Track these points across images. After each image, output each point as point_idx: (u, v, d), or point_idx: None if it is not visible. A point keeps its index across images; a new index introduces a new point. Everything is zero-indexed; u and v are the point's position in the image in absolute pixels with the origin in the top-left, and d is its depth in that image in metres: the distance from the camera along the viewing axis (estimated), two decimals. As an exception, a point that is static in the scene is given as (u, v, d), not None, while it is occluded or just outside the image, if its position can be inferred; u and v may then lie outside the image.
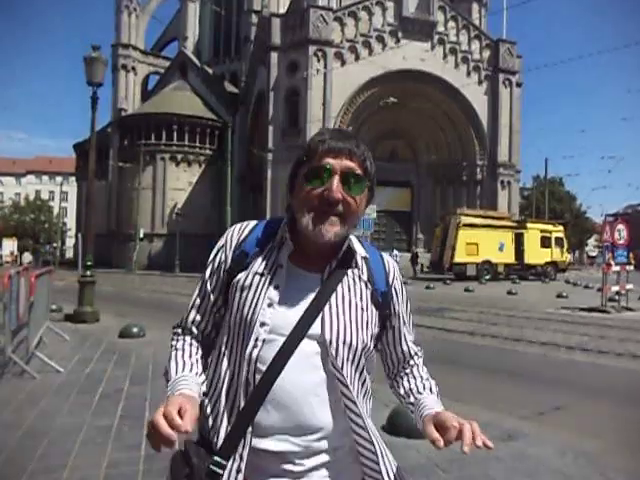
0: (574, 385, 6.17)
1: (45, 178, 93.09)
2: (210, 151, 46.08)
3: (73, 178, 63.40)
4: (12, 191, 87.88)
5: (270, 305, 1.20)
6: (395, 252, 32.91)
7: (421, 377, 1.41)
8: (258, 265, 1.25)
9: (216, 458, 1.14)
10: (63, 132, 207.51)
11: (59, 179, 76.94)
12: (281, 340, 1.17)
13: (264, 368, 1.16)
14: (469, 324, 10.88)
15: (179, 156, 44.94)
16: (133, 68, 51.84)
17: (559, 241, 30.87)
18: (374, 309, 1.28)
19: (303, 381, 1.17)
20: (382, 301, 1.30)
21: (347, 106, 37.66)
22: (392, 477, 1.23)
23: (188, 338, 1.33)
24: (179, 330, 1.36)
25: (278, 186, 35.87)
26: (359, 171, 1.22)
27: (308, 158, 1.23)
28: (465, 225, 27.93)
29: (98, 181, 17.36)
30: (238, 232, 1.32)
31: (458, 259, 27.73)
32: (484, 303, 15.32)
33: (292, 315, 1.19)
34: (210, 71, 50.84)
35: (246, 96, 45.57)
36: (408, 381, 1.40)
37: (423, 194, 42.49)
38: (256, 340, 1.18)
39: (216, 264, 1.31)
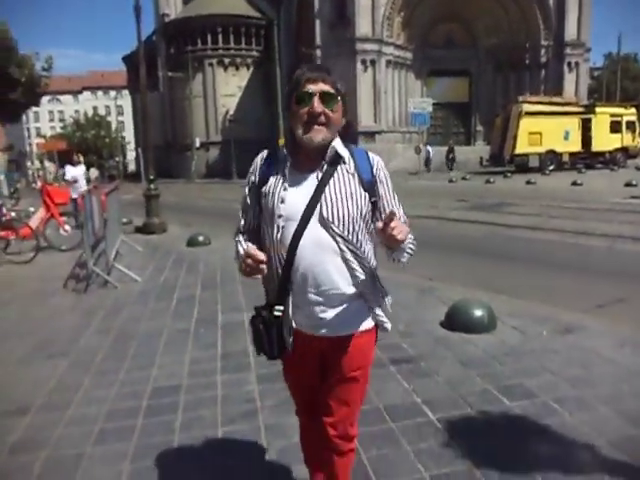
0: (638, 277, 6.08)
1: (100, 93, 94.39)
2: (257, 52, 44.76)
3: (126, 91, 63.79)
4: (71, 109, 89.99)
5: (282, 202, 1.72)
6: (428, 147, 31.70)
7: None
8: (273, 177, 1.78)
9: (275, 307, 1.76)
10: (112, 45, 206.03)
11: (113, 93, 77.81)
12: (294, 224, 1.70)
13: (287, 246, 1.71)
14: (529, 218, 10.67)
15: (226, 60, 44.02)
16: (172, -32, 49.59)
17: (631, 125, 28.63)
18: (362, 192, 1.74)
19: (315, 250, 1.69)
20: (368, 187, 1.76)
21: (397, -10, 34.95)
22: (388, 312, 1.85)
23: (245, 235, 1.89)
24: (237, 231, 1.93)
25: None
26: (332, 90, 1.69)
27: (295, 87, 1.70)
28: (527, 113, 26.34)
29: (150, 93, 17.35)
30: (260, 159, 1.86)
31: (520, 150, 26.52)
32: (546, 196, 14.85)
33: (299, 205, 1.71)
34: (251, -36, 47.92)
35: (290, -12, 43.02)
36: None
37: (482, 83, 39.98)
38: (277, 227, 1.72)
39: (250, 184, 1.86)
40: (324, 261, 1.70)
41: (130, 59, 49.12)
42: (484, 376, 3.38)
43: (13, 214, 9.61)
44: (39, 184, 10.64)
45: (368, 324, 1.82)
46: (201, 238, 9.13)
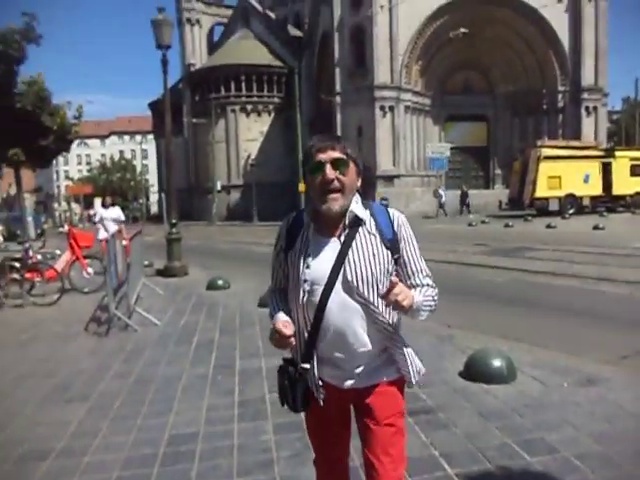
0: (663, 326, 5.95)
1: (126, 138, 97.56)
2: (278, 99, 46.11)
3: (151, 136, 65.86)
4: (98, 152, 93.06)
5: (308, 267, 1.79)
6: (440, 191, 31.70)
7: (420, 288, 1.84)
8: (298, 242, 1.85)
9: (302, 365, 1.83)
10: (139, 90, 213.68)
11: (138, 138, 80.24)
12: (320, 288, 1.76)
13: (314, 309, 1.77)
14: (550, 264, 10.57)
15: (249, 107, 45.42)
16: (198, 21, 52.05)
17: (652, 168, 28.52)
18: (384, 250, 1.79)
19: (341, 313, 1.76)
20: (390, 245, 1.80)
21: (415, 40, 36.06)
22: (417, 374, 1.89)
23: (277, 294, 1.98)
24: (271, 292, 2.03)
25: (348, 129, 35.46)
26: (342, 156, 1.76)
27: (307, 159, 1.80)
28: (546, 157, 26.47)
29: (174, 138, 18.03)
30: (285, 225, 1.93)
31: (539, 194, 26.53)
32: (567, 240, 14.72)
33: (324, 270, 1.77)
34: (273, 15, 50.00)
35: (310, 39, 44.63)
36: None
37: (500, 127, 40.47)
38: (303, 291, 1.79)
39: (278, 248, 1.95)
40: (351, 323, 1.77)
41: (156, 105, 51.00)
42: (503, 429, 3.32)
43: (39, 257, 9.85)
44: (66, 227, 10.89)
45: (395, 374, 1.87)
46: (220, 282, 9.23)
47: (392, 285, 1.63)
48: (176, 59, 52.15)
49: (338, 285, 1.75)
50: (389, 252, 1.80)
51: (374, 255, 1.77)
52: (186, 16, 51.10)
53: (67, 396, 4.35)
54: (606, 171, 27.71)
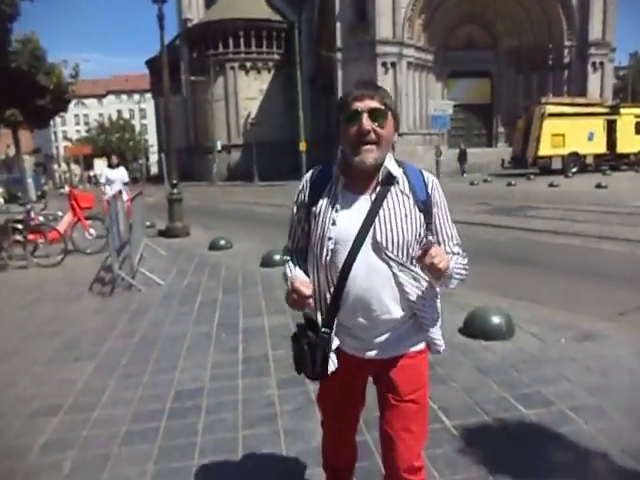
0: (661, 283, 6.01)
1: (124, 97, 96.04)
2: (278, 55, 45.11)
3: (149, 95, 64.79)
4: (96, 112, 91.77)
5: (334, 224, 1.67)
6: (441, 150, 31.33)
7: (451, 255, 1.72)
8: (324, 197, 1.73)
9: (323, 329, 1.71)
10: (135, 49, 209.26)
11: (136, 97, 79.06)
12: (345, 248, 1.65)
13: (338, 269, 1.66)
14: (552, 222, 10.58)
15: (248, 64, 44.48)
16: (194, -27, 50.31)
17: (657, 126, 28.12)
18: (417, 213, 1.69)
19: (369, 278, 1.65)
20: (424, 208, 1.70)
21: (418, -8, 34.86)
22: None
23: (293, 255, 1.86)
24: (287, 252, 1.90)
25: (349, 86, 34.60)
26: (381, 106, 1.64)
27: (342, 106, 1.67)
28: (550, 115, 26.09)
29: (173, 97, 17.76)
30: (310, 177, 1.81)
31: (543, 152, 26.28)
32: (569, 199, 14.69)
33: (351, 228, 1.65)
34: (271, -33, 48.30)
35: (310, -9, 43.22)
36: None
37: (504, 84, 39.65)
38: (327, 250, 1.67)
39: (298, 203, 1.82)
40: (377, 287, 1.66)
41: (153, 63, 49.93)
42: (501, 383, 3.40)
43: (41, 218, 9.87)
44: (67, 189, 10.89)
45: (420, 345, 1.78)
46: (223, 242, 9.27)
47: (429, 246, 1.53)
48: (173, 14, 50.79)
49: (366, 245, 1.64)
50: (422, 215, 1.69)
51: (406, 216, 1.66)
52: (182, -32, 49.41)
53: (74, 355, 4.45)
54: (610, 129, 27.36)
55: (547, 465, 2.56)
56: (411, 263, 1.67)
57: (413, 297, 1.69)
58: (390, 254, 1.64)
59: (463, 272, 1.73)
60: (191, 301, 5.93)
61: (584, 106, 28.06)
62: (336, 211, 1.68)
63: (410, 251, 1.66)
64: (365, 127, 1.61)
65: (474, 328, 4.30)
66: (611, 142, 27.38)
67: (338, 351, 1.74)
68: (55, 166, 77.03)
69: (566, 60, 37.04)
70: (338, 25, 35.71)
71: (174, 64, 41.92)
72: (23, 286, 7.30)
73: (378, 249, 1.64)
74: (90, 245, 9.53)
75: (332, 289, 1.68)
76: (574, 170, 26.08)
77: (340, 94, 35.52)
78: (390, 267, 1.65)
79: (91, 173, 56.90)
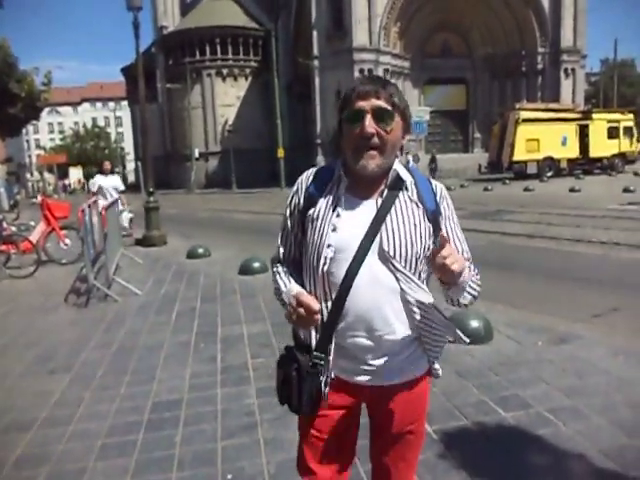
0: (634, 286, 6.12)
1: (99, 105, 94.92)
2: (255, 62, 45.13)
3: (125, 102, 64.15)
4: (70, 120, 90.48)
5: (334, 230, 1.48)
6: (409, 157, 31.61)
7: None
8: (323, 200, 1.53)
9: (316, 353, 1.49)
10: (110, 56, 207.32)
11: (112, 105, 78.10)
12: (346, 258, 1.45)
13: (338, 283, 1.46)
14: (527, 226, 10.75)
15: (225, 71, 44.38)
16: (169, -20, 50.10)
17: (628, 130, 28.84)
18: (427, 223, 1.50)
19: (372, 291, 1.45)
20: (432, 218, 1.52)
21: (394, 0, 35.30)
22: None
23: (284, 266, 1.64)
24: (276, 261, 1.68)
25: (327, 93, 34.98)
26: (387, 106, 1.44)
27: (346, 105, 1.48)
28: (525, 120, 26.55)
29: (149, 104, 17.65)
30: (306, 178, 1.61)
31: (518, 157, 26.72)
32: (544, 202, 14.94)
33: (354, 237, 1.46)
34: (247, -25, 48.39)
35: (287, -1, 43.42)
36: None
37: (479, 90, 40.32)
38: (325, 258, 1.47)
39: (292, 206, 1.61)
40: (382, 302, 1.46)
41: (129, 71, 49.49)
42: (480, 387, 3.43)
43: (13, 228, 9.67)
44: (39, 198, 10.61)
45: (423, 370, 1.59)
46: (201, 250, 9.19)
47: (442, 243, 1.34)
48: (148, 21, 50.48)
49: (371, 255, 1.44)
50: (431, 226, 1.51)
51: (415, 226, 1.48)
52: (157, -25, 49.16)
53: (49, 367, 4.35)
54: (583, 134, 27.95)
55: (526, 468, 2.58)
56: (419, 278, 1.49)
57: (419, 316, 1.49)
58: (398, 265, 1.45)
59: (478, 289, 1.55)
60: (169, 310, 5.85)
61: (557, 111, 28.64)
62: (337, 215, 1.49)
63: (418, 265, 1.48)
64: (368, 130, 1.42)
65: (453, 332, 4.32)
66: (584, 147, 27.97)
67: (332, 378, 1.52)
68: (28, 175, 75.59)
69: (539, 67, 37.82)
70: (315, 33, 35.91)
71: (150, 71, 41.66)
72: (-5, 298, 7.12)
73: (385, 259, 1.45)
74: (65, 255, 9.35)
75: (330, 304, 1.47)
76: (549, 174, 26.57)
77: (318, 101, 35.75)
78: (397, 280, 1.46)
79: (66, 182, 55.92)
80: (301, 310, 1.41)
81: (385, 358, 1.50)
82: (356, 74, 34.91)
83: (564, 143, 27.56)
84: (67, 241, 9.58)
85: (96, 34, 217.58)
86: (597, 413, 3.01)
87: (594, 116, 28.63)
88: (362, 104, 1.44)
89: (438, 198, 1.56)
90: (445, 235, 1.41)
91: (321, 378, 1.49)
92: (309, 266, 1.54)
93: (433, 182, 1.59)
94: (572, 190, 18.13)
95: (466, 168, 33.39)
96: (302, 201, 1.57)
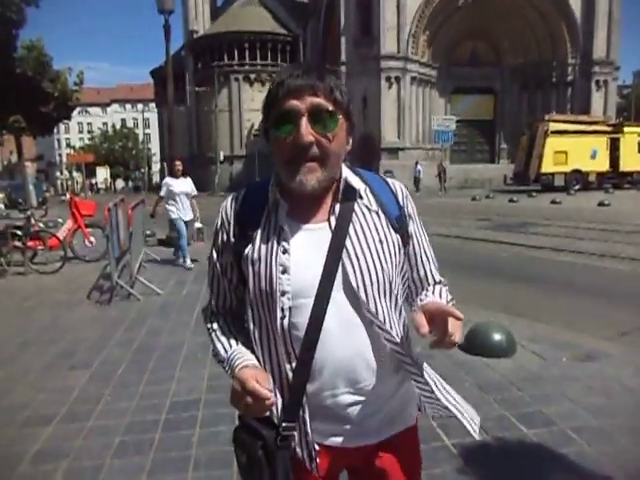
0: (664, 303, 5.96)
1: (128, 106, 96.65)
2: (283, 68, 45.46)
3: (153, 104, 65.23)
4: (99, 120, 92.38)
5: (284, 272, 1.15)
6: (419, 166, 31.45)
7: (433, 287, 1.32)
8: (261, 234, 1.19)
9: (285, 424, 1.17)
10: (140, 59, 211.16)
11: (140, 106, 79.58)
12: (308, 303, 1.14)
13: (301, 335, 1.14)
14: (553, 239, 10.55)
15: (252, 76, 44.80)
16: (201, -16, 50.90)
17: (661, 145, 28.22)
18: (393, 235, 1.22)
19: (346, 337, 1.16)
20: (399, 226, 1.24)
21: (423, 9, 35.30)
22: (451, 402, 1.27)
23: (221, 319, 1.32)
24: (209, 314, 1.35)
25: (353, 100, 34.31)
26: (328, 105, 1.12)
27: (271, 105, 1.15)
28: (553, 132, 26.19)
29: (177, 106, 17.88)
30: (231, 206, 1.26)
31: (545, 169, 26.34)
32: (571, 216, 14.66)
33: (311, 275, 1.14)
34: (278, -19, 48.90)
35: (316, 5, 43.76)
36: (426, 295, 1.31)
37: (507, 100, 39.91)
38: (282, 310, 1.15)
39: (219, 245, 1.26)
40: (360, 347, 1.17)
41: (158, 73, 50.31)
42: (502, 402, 3.35)
43: (41, 225, 9.86)
44: (68, 196, 10.78)
45: (414, 415, 1.33)
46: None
47: (445, 319, 1.11)
48: (179, 25, 51.24)
49: (336, 292, 1.14)
50: (399, 237, 1.23)
51: (381, 242, 1.19)
52: (189, -20, 49.96)
53: (70, 363, 4.40)
54: (614, 147, 27.44)
55: (548, 487, 2.50)
56: (396, 306, 1.23)
57: (402, 356, 1.22)
58: (371, 301, 1.16)
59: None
60: (190, 311, 5.88)
61: (587, 124, 28.17)
62: (284, 252, 1.16)
63: (393, 289, 1.21)
64: (305, 138, 1.10)
65: (475, 345, 4.25)
66: (614, 160, 27.45)
67: (317, 447, 1.20)
68: (57, 173, 77.30)
69: (570, 78, 37.31)
70: (343, 39, 36.07)
71: (179, 74, 42.24)
72: (21, 292, 7.26)
73: (353, 294, 1.15)
74: (90, 253, 9.50)
75: (295, 363, 1.15)
76: (576, 188, 26.11)
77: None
78: (372, 317, 1.17)
79: (93, 181, 56.94)
80: (248, 399, 1.10)
81: (373, 412, 1.21)
82: (383, 81, 34.94)
83: (594, 156, 27.08)
84: (92, 239, 9.74)
85: (127, 36, 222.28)
86: (624, 434, 2.91)
87: (625, 129, 28.08)
88: (295, 104, 1.10)
89: (400, 200, 1.27)
90: (451, 311, 1.11)
91: (298, 451, 1.19)
92: (258, 321, 1.21)
93: (390, 181, 1.30)
94: (601, 204, 17.76)
95: (492, 179, 33.07)
96: (232, 238, 1.23)
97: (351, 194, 1.20)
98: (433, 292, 1.30)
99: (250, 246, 1.19)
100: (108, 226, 6.59)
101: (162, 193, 8.57)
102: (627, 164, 27.40)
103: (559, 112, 33.60)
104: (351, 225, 1.18)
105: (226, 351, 1.25)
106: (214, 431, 3.11)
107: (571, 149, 26.38)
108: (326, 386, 1.17)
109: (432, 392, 1.24)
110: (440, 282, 1.34)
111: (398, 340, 1.20)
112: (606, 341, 4.54)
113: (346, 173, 1.22)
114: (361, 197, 1.21)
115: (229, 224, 1.24)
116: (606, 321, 5.30)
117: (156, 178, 66.14)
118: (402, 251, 1.24)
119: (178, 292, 6.87)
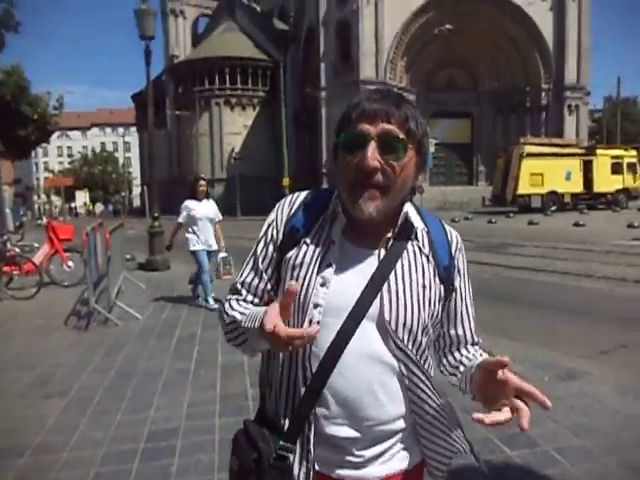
0: (641, 321, 6.04)
1: (108, 130, 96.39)
2: (263, 93, 45.89)
3: (134, 128, 65.17)
4: (79, 144, 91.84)
5: (323, 285, 1.12)
6: (423, 187, 31.75)
7: (474, 351, 1.28)
8: (310, 241, 1.17)
9: (282, 443, 1.13)
10: (121, 83, 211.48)
11: (121, 130, 79.40)
12: (336, 323, 1.11)
13: (321, 353, 1.11)
14: (531, 260, 10.70)
15: (233, 100, 45.14)
16: (182, 12, 51.64)
17: (632, 166, 28.99)
18: (438, 284, 1.18)
19: (363, 369, 1.12)
20: (445, 277, 1.19)
21: (400, 36, 36.13)
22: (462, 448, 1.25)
23: (243, 296, 1.25)
24: (233, 299, 1.26)
25: (333, 124, 35.11)
26: (399, 133, 1.10)
27: (344, 126, 1.14)
28: (529, 155, 26.77)
29: (157, 130, 17.95)
30: (289, 205, 1.24)
31: (522, 190, 26.82)
32: (548, 236, 14.90)
33: (348, 296, 1.11)
34: (258, 8, 49.73)
35: (296, 32, 44.49)
36: (460, 353, 1.28)
37: (484, 124, 40.81)
38: (310, 322, 1.11)
39: (268, 240, 1.23)
40: (374, 383, 1.13)
41: (139, 97, 50.42)
42: (485, 423, 3.34)
43: (17, 250, 9.67)
44: (45, 220, 10.61)
45: (417, 458, 1.25)
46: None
47: (520, 402, 1.07)
48: (159, 50, 51.67)
49: (366, 323, 1.11)
50: (442, 287, 1.19)
51: (424, 288, 1.15)
52: (170, 7, 50.63)
53: (45, 391, 4.28)
54: (587, 169, 28.12)
55: (533, 509, 2.48)
56: (423, 354, 1.18)
57: (418, 402, 1.18)
58: (399, 341, 1.12)
59: None
60: (169, 336, 5.79)
61: (561, 147, 28.91)
62: (328, 265, 1.13)
63: (424, 339, 1.17)
64: (370, 162, 1.07)
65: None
66: (588, 182, 28.10)
67: (315, 469, 1.16)
68: (35, 197, 76.30)
69: (543, 102, 38.35)
70: (323, 65, 36.63)
71: (159, 98, 42.36)
72: (-5, 319, 7.08)
73: (384, 330, 1.12)
74: (67, 277, 9.33)
75: (309, 381, 1.12)
76: (553, 208, 26.61)
77: (324, 131, 36.16)
78: (397, 358, 1.13)
79: (72, 205, 56.25)
80: (298, 342, 1.01)
81: (376, 447, 1.16)
82: (362, 106, 35.43)
83: (568, 178, 27.70)
84: (70, 263, 9.58)
85: (108, 61, 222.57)
86: (606, 453, 2.92)
87: (598, 152, 28.85)
88: (366, 127, 1.09)
89: (453, 250, 1.23)
90: (527, 387, 1.05)
91: (295, 469, 1.13)
92: None
93: (447, 228, 1.27)
94: (576, 225, 18.11)
95: (470, 200, 33.52)
96: (281, 236, 1.21)
97: (408, 231, 1.18)
98: (481, 355, 1.27)
99: (295, 249, 1.17)
100: (86, 250, 6.49)
101: (181, 219, 7.22)
102: (600, 185, 28.07)
103: (534, 135, 34.39)
104: (399, 261, 1.16)
105: (243, 314, 1.17)
106: (194, 460, 3.04)
107: (546, 171, 26.97)
108: (330, 415, 1.13)
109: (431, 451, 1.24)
110: (478, 343, 1.30)
111: (426, 375, 1.17)
112: (586, 360, 4.58)
113: (408, 208, 1.19)
114: (416, 238, 1.19)
115: (281, 222, 1.22)
116: (585, 340, 5.36)
117: (137, 202, 65.74)
118: (442, 303, 1.20)
119: (157, 317, 6.76)
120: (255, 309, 1.15)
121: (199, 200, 7.31)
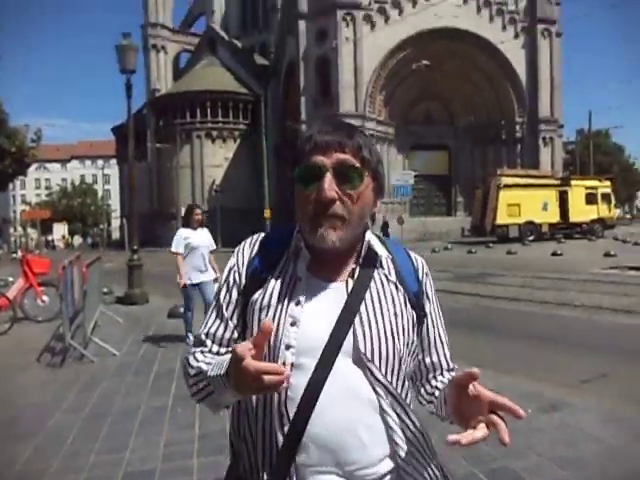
0: (621, 351, 6.06)
1: (88, 162, 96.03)
2: (244, 125, 46.33)
3: (114, 160, 65.04)
4: (59, 177, 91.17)
5: (293, 324, 1.08)
6: (404, 218, 32.01)
7: (448, 374, 1.26)
8: (275, 281, 1.13)
9: None
10: (101, 115, 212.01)
11: (100, 162, 79.19)
12: (311, 363, 1.06)
13: (297, 398, 1.05)
14: (511, 289, 10.78)
15: (214, 133, 45.44)
16: (163, 47, 52.29)
17: (606, 197, 29.83)
18: (409, 310, 1.16)
19: (342, 408, 1.06)
20: (415, 303, 1.18)
21: (379, 71, 36.99)
22: None
23: (208, 347, 1.17)
24: (197, 351, 1.17)
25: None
26: (354, 162, 1.09)
27: (300, 158, 1.13)
28: (506, 186, 27.36)
29: (138, 162, 17.96)
30: (249, 247, 1.21)
31: (500, 221, 27.29)
32: (527, 266, 15.09)
33: (320, 332, 1.07)
34: (239, 44, 50.70)
35: (277, 67, 45.33)
36: (436, 380, 1.25)
37: (461, 156, 41.65)
38: (283, 365, 1.03)
39: (230, 286, 1.18)
40: (355, 422, 1.06)
41: (119, 130, 50.46)
42: (469, 458, 3.28)
43: (-9, 284, 9.45)
44: (20, 253, 10.42)
45: None
46: (182, 309, 8.99)
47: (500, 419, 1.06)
48: (141, 83, 52.16)
49: (341, 359, 1.07)
50: (414, 314, 1.17)
51: (396, 316, 1.13)
52: (152, 42, 51.26)
53: (14, 432, 4.11)
54: (563, 199, 28.79)
55: None
56: (402, 386, 1.14)
57: (398, 439, 1.11)
58: (377, 373, 1.08)
59: None
60: (147, 372, 5.64)
61: (537, 178, 29.63)
62: (297, 303, 1.10)
63: (402, 367, 1.12)
64: (327, 194, 1.06)
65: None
66: (564, 212, 28.74)
67: None
68: (11, 230, 75.08)
69: (518, 135, 39.39)
70: (303, 99, 37.21)
71: (140, 131, 42.50)
72: (-35, 357, 6.84)
73: (360, 364, 1.08)
74: (42, 312, 9.10)
75: (287, 427, 1.05)
76: (530, 238, 27.06)
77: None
78: (376, 393, 1.08)
79: (49, 237, 55.40)
80: (267, 377, 0.91)
81: None
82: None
83: (545, 208, 28.31)
84: (45, 298, 9.36)
85: (89, 94, 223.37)
86: (591, 486, 2.89)
87: (572, 183, 29.63)
88: (320, 159, 1.08)
89: (420, 276, 1.22)
90: (505, 403, 1.06)
91: None
92: None
93: (412, 254, 1.26)
94: (554, 254, 18.40)
95: (449, 231, 33.94)
96: (244, 280, 1.17)
97: (372, 260, 1.17)
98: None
99: (261, 291, 1.13)
100: (62, 285, 6.35)
101: (181, 249, 6.81)
102: (576, 215, 28.71)
103: (510, 167, 35.25)
104: (368, 291, 1.13)
105: (209, 364, 1.08)
106: (170, 502, 2.92)
107: (523, 202, 27.54)
108: (311, 461, 1.06)
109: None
110: (454, 369, 1.27)
111: (402, 399, 1.12)
112: (568, 389, 4.57)
113: (369, 237, 1.18)
114: (382, 266, 1.17)
115: (243, 265, 1.18)
116: (566, 370, 5.36)
117: (116, 234, 65.06)
118: (416, 330, 1.18)
119: (135, 352, 6.60)
120: (221, 357, 1.08)
121: (194, 229, 7.09)
